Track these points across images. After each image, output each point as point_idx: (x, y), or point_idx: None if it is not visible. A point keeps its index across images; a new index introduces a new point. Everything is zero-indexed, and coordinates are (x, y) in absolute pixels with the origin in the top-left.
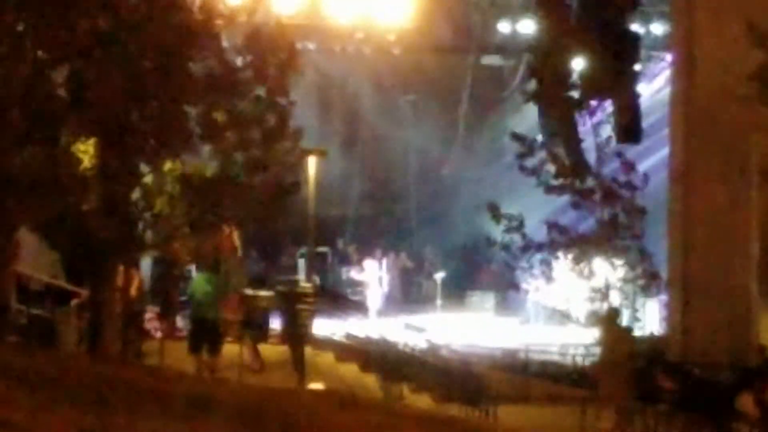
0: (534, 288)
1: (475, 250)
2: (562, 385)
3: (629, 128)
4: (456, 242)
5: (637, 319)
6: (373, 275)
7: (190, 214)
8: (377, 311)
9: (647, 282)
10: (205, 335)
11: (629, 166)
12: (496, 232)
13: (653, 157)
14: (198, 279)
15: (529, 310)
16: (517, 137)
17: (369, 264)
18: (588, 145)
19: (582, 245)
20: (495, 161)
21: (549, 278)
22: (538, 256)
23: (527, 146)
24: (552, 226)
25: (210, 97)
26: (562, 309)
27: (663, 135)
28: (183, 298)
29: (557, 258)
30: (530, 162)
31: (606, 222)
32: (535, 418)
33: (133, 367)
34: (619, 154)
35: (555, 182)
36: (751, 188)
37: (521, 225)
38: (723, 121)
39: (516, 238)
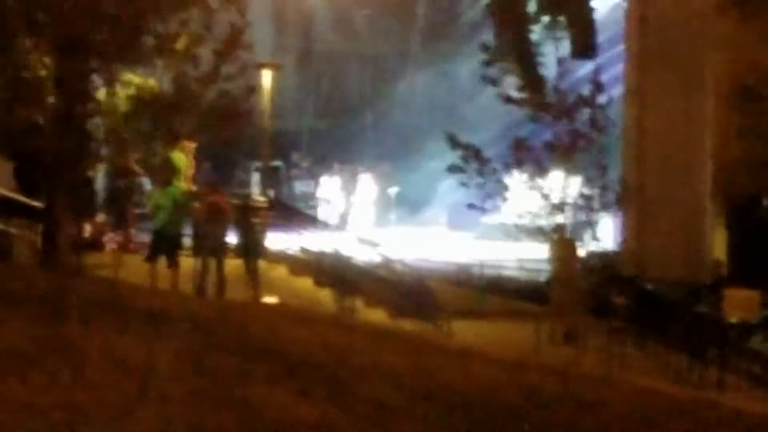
0: (490, 206)
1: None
2: (516, 300)
3: (584, 44)
4: (410, 156)
5: (595, 238)
6: (330, 190)
7: (142, 129)
8: (333, 226)
9: (608, 198)
10: (166, 246)
11: (597, 86)
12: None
13: (607, 74)
14: (162, 191)
15: (482, 226)
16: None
17: (326, 179)
18: (549, 60)
19: (539, 160)
20: (450, 76)
21: (504, 195)
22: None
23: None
24: (518, 144)
25: (165, 11)
26: (515, 224)
27: (618, 51)
28: (138, 211)
29: (512, 174)
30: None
31: (565, 137)
32: (489, 333)
33: (88, 279)
34: (594, 74)
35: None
36: (706, 104)
37: (478, 153)
38: (679, 36)
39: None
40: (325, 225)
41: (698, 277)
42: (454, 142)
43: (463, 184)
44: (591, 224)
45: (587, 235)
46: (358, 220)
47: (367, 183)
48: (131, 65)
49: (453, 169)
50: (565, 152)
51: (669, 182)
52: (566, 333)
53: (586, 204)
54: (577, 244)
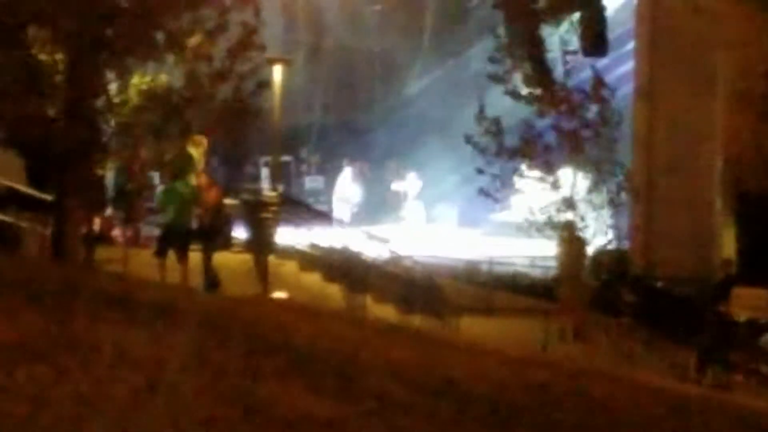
0: (501, 198)
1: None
2: (524, 297)
3: (595, 41)
4: (418, 152)
5: (608, 235)
6: (340, 186)
7: (153, 124)
8: (343, 222)
9: (617, 195)
10: (175, 241)
11: (598, 79)
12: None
13: (618, 71)
14: (171, 186)
15: (491, 223)
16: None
17: (336, 174)
18: (555, 55)
19: (549, 155)
20: (460, 72)
21: (515, 188)
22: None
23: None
24: (528, 135)
25: (178, 8)
26: (525, 221)
27: (628, 49)
28: (148, 206)
29: (524, 168)
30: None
31: (572, 132)
32: (497, 330)
33: (97, 273)
34: (591, 66)
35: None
36: (717, 100)
37: (499, 130)
38: (689, 35)
39: (491, 143)
40: (335, 221)
41: (708, 274)
42: (481, 116)
43: (480, 172)
44: (606, 222)
45: (601, 233)
46: (411, 216)
47: (412, 179)
48: (142, 60)
49: (469, 141)
50: (574, 148)
51: (678, 179)
52: (575, 330)
53: (599, 202)
54: (589, 241)
